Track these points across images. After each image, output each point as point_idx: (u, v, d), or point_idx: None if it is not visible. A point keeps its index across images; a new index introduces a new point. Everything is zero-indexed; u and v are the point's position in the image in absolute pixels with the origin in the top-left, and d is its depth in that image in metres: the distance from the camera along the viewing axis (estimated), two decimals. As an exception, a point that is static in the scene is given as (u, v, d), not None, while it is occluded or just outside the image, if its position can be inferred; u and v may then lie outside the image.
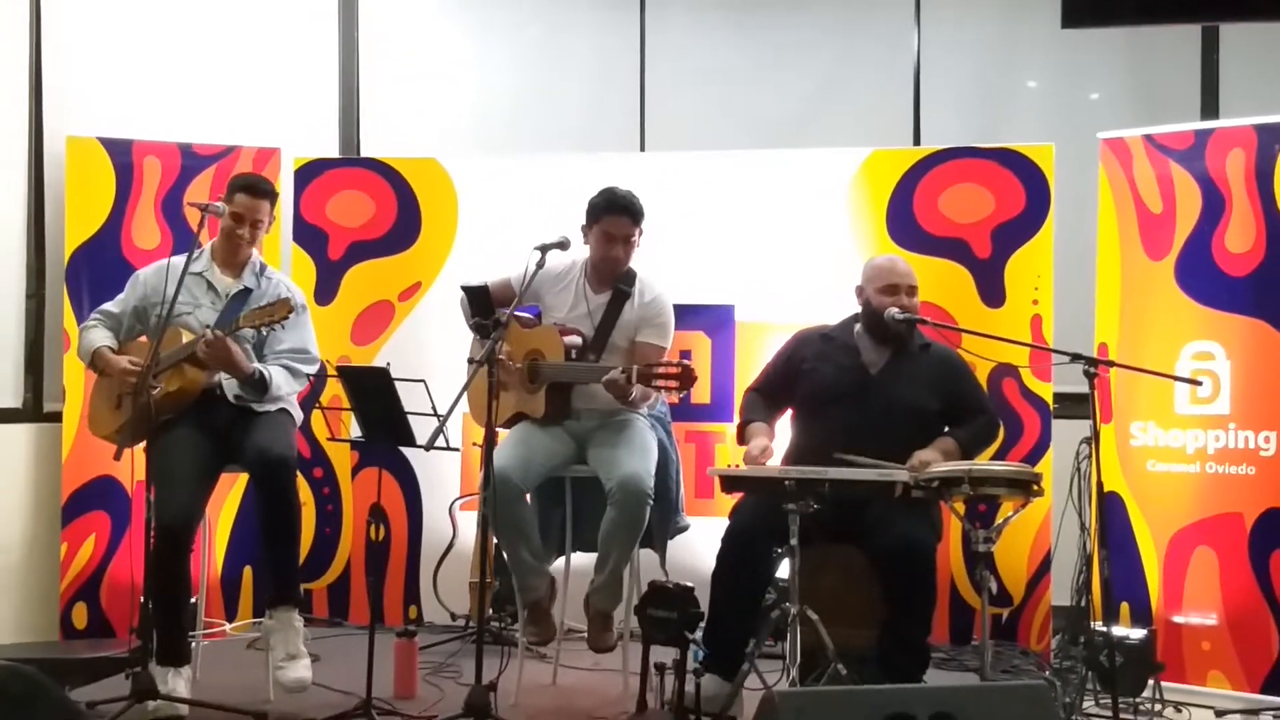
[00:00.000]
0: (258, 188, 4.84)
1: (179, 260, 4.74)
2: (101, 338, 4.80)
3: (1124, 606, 5.10)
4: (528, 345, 4.80)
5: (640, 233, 4.83)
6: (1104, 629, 4.61)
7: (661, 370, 4.40)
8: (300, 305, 4.84)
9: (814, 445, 4.59)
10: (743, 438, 4.81)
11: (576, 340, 4.78)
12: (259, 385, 4.67)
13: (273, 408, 4.77)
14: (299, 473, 4.76)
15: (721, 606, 4.48)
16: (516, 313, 4.61)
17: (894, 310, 4.64)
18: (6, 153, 5.80)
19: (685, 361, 4.52)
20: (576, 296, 4.86)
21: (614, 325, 4.81)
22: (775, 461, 4.73)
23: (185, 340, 4.64)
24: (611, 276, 4.85)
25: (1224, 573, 4.95)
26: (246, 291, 4.81)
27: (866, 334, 4.76)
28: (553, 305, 4.88)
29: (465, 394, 4.49)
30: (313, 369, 4.87)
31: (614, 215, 4.78)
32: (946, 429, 4.68)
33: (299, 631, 4.63)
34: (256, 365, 4.67)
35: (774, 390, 4.86)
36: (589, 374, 4.70)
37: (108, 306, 4.87)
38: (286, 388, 4.75)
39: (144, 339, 4.81)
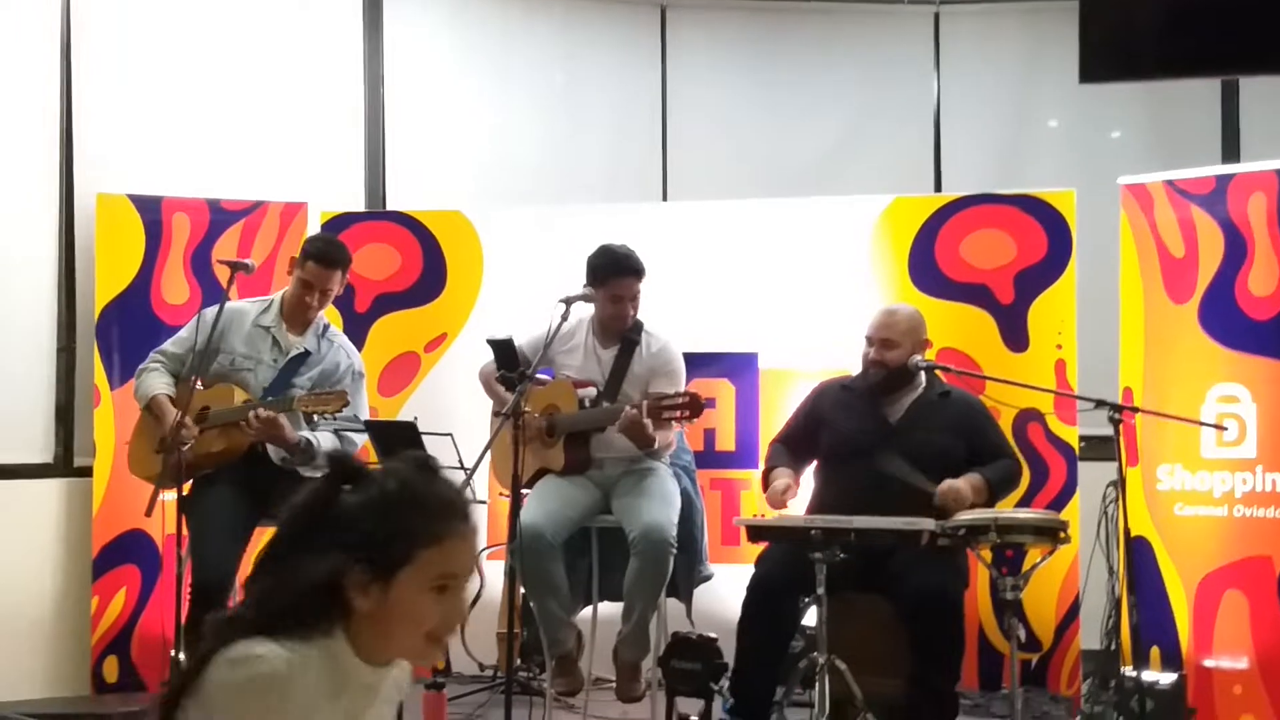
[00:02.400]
0: (330, 257, 4.81)
1: (246, 306, 4.80)
2: (160, 384, 4.78)
3: (1154, 651, 5.07)
4: (543, 402, 4.84)
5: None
6: (1134, 674, 4.60)
7: (669, 403, 4.44)
8: (358, 374, 4.87)
9: (837, 496, 4.60)
10: (767, 483, 4.82)
11: (591, 391, 4.83)
12: (306, 453, 4.69)
13: (318, 473, 4.77)
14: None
15: (747, 656, 4.48)
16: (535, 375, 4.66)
17: (917, 358, 4.69)
18: (39, 210, 5.87)
19: (691, 391, 4.54)
20: (586, 354, 4.91)
21: (624, 376, 4.85)
22: (799, 508, 4.75)
23: (239, 398, 4.66)
24: (620, 333, 4.89)
25: (1254, 616, 4.93)
26: (305, 354, 4.82)
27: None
28: (564, 365, 4.93)
29: (490, 451, 4.52)
30: (362, 438, 4.88)
31: (619, 277, 4.82)
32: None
33: None
34: (304, 435, 4.68)
35: (797, 443, 4.89)
36: (602, 417, 4.74)
37: (168, 347, 4.87)
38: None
39: (200, 385, 4.81)
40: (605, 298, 4.82)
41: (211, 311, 4.83)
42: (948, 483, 4.47)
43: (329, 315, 5.86)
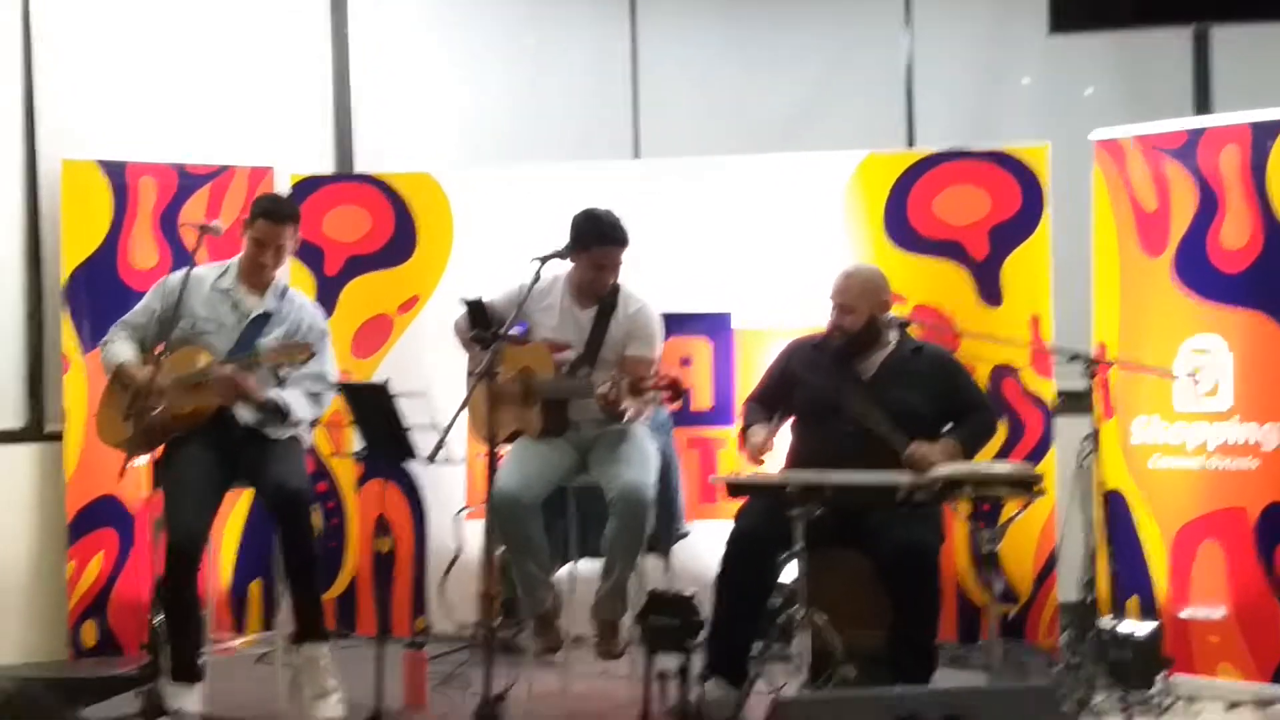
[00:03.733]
0: (278, 212, 4.80)
1: (204, 271, 4.77)
2: (125, 351, 4.75)
3: (1131, 601, 5.11)
4: (519, 363, 4.81)
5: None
6: (1112, 624, 4.63)
7: (651, 384, 4.42)
8: (321, 332, 4.85)
9: (813, 454, 4.60)
10: (744, 440, 4.82)
11: (568, 355, 4.80)
12: (277, 412, 4.67)
13: (285, 434, 4.76)
14: (304, 488, 4.76)
15: (726, 610, 4.49)
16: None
17: (888, 315, 4.71)
18: (3, 177, 5.81)
19: (673, 375, 4.52)
20: (563, 314, 4.88)
21: (603, 340, 4.83)
22: (776, 464, 4.75)
23: (203, 361, 4.63)
24: (597, 295, 4.86)
25: (1230, 566, 4.96)
26: (266, 315, 4.79)
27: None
28: (540, 323, 4.90)
29: (466, 409, 4.50)
30: (331, 394, 4.86)
31: (604, 246, 4.80)
32: (946, 428, 4.70)
33: (326, 668, 4.59)
34: (273, 394, 4.66)
35: (772, 400, 4.88)
36: (579, 390, 4.72)
37: (130, 317, 4.83)
38: (307, 413, 4.75)
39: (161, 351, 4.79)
40: (587, 263, 4.79)
41: (174, 277, 4.81)
42: (917, 445, 4.47)
43: (299, 278, 5.87)
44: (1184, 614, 5.03)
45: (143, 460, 4.75)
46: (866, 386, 4.70)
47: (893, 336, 4.80)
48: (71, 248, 5.73)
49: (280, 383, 4.73)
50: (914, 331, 4.90)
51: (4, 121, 5.82)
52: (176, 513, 4.46)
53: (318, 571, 4.72)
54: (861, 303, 4.71)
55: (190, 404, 4.62)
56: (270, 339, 4.72)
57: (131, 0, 6.08)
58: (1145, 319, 5.21)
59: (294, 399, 4.71)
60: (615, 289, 4.88)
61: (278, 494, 4.58)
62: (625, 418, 4.69)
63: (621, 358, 4.80)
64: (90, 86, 5.99)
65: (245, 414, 4.70)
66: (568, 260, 4.75)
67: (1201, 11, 5.44)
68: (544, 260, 4.62)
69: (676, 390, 4.44)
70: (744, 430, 4.85)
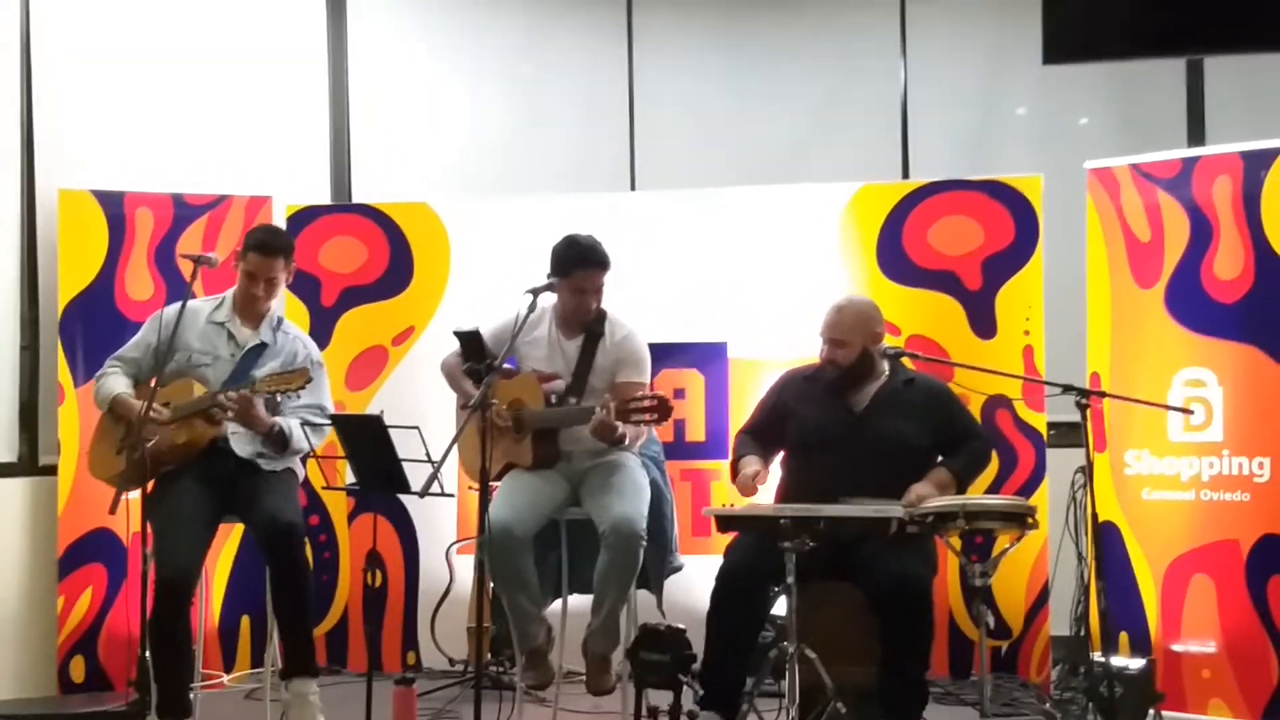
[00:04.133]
0: (269, 245, 4.79)
1: (199, 304, 4.77)
2: (120, 384, 4.75)
3: (1123, 636, 5.09)
4: (509, 396, 4.81)
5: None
6: (1103, 659, 4.61)
7: (637, 404, 4.42)
8: (317, 363, 4.86)
9: (805, 486, 4.59)
10: (736, 472, 4.81)
11: (558, 385, 4.80)
12: (278, 440, 4.67)
13: (279, 467, 4.76)
14: (296, 522, 4.76)
15: (717, 646, 4.47)
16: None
17: (882, 346, 4.70)
18: (-1, 207, 5.84)
19: (659, 394, 4.52)
20: (550, 345, 4.88)
21: (590, 368, 4.82)
22: (768, 497, 4.75)
23: (198, 393, 4.64)
24: (583, 324, 4.87)
25: (1221, 600, 4.95)
26: (262, 346, 4.80)
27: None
28: (527, 356, 4.90)
29: (457, 443, 4.50)
30: (328, 427, 4.86)
31: (584, 269, 4.77)
32: (940, 459, 4.69)
33: (315, 705, 4.57)
34: (277, 420, 4.66)
35: (764, 433, 4.88)
36: (572, 417, 4.71)
37: (124, 352, 4.83)
38: (303, 443, 4.75)
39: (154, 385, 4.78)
40: (568, 289, 4.78)
41: (169, 310, 4.81)
42: (913, 489, 4.47)
43: (294, 309, 5.87)
44: (1175, 648, 5.01)
45: (134, 494, 4.74)
46: (859, 419, 4.70)
47: (885, 368, 4.79)
48: (68, 279, 5.73)
49: (277, 414, 4.74)
50: (907, 363, 4.90)
51: (2, 151, 5.83)
52: (168, 547, 4.44)
53: (309, 607, 4.71)
54: (854, 336, 4.71)
55: (184, 435, 4.62)
56: (264, 371, 4.72)
57: (130, 31, 6.11)
58: (1138, 351, 5.21)
59: (295, 427, 4.71)
60: (601, 317, 4.88)
61: (270, 528, 4.57)
62: (624, 442, 4.68)
63: (612, 385, 4.79)
64: (88, 116, 6.01)
65: (242, 447, 4.70)
66: (548, 282, 4.75)
67: (1195, 43, 5.45)
68: (537, 292, 4.63)
69: (664, 409, 4.43)
70: (735, 463, 4.84)
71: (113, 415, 4.76)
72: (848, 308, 4.80)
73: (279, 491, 4.70)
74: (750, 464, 4.75)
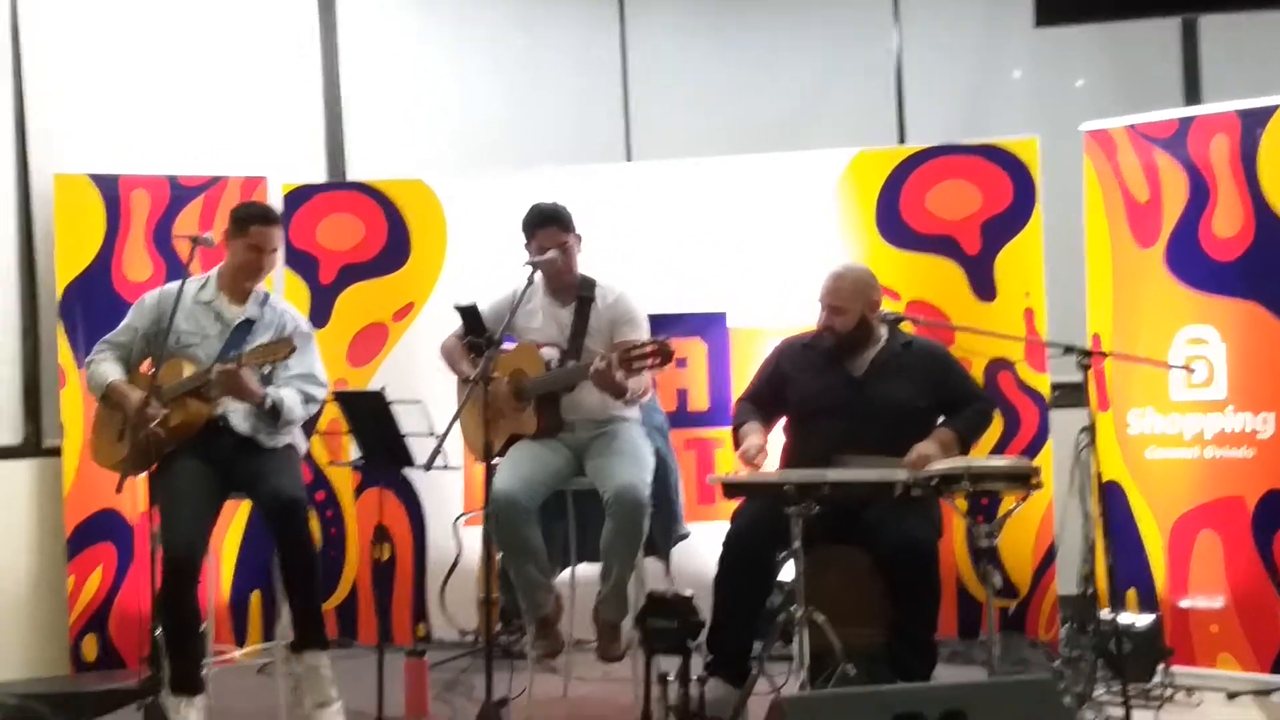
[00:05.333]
0: (270, 215, 4.85)
1: (187, 286, 4.71)
2: (113, 371, 4.75)
3: (1130, 593, 5.12)
4: (509, 367, 4.82)
5: (577, 239, 4.86)
6: (1111, 616, 4.64)
7: (638, 351, 4.43)
8: (304, 332, 4.86)
9: (808, 453, 4.61)
10: (738, 440, 4.82)
11: (553, 352, 4.82)
12: (273, 413, 4.67)
13: (280, 442, 4.77)
14: (303, 497, 4.77)
15: (724, 611, 4.50)
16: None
17: (883, 312, 4.72)
18: (-6, 193, 5.83)
19: (659, 338, 4.51)
20: (545, 315, 4.89)
21: (585, 331, 4.84)
22: (771, 464, 4.76)
23: (188, 372, 4.64)
24: (566, 287, 4.87)
25: (1228, 556, 4.97)
26: (249, 322, 4.80)
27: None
28: (524, 327, 4.91)
29: (460, 419, 4.51)
30: (323, 393, 4.86)
31: (542, 228, 4.82)
32: (941, 420, 4.70)
33: (327, 677, 4.57)
34: (268, 391, 4.66)
35: (764, 400, 4.89)
36: (572, 375, 4.73)
37: (113, 336, 4.83)
38: (300, 412, 4.75)
39: (146, 369, 4.79)
40: (535, 250, 4.82)
41: (151, 295, 4.83)
42: (916, 449, 4.49)
43: (293, 287, 5.88)
44: (1183, 604, 5.04)
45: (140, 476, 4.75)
46: (858, 384, 4.71)
47: (883, 332, 4.80)
48: (66, 262, 5.73)
49: (268, 385, 4.74)
50: (907, 327, 4.90)
51: (-6, 138, 5.84)
52: (173, 525, 4.45)
53: (317, 579, 4.71)
54: (853, 303, 4.72)
55: (179, 416, 4.61)
56: (255, 345, 4.73)
57: (121, 13, 6.09)
58: (1139, 310, 5.22)
59: (288, 397, 4.72)
60: (590, 283, 4.89)
61: (274, 502, 4.58)
62: (626, 395, 4.69)
63: (610, 345, 4.80)
64: (81, 100, 6.00)
65: (240, 422, 4.70)
66: (548, 255, 4.76)
67: (1188, 2, 5.44)
68: (536, 265, 4.64)
69: (665, 353, 4.42)
70: (736, 429, 4.85)
71: (108, 403, 4.76)
72: (846, 275, 4.81)
73: (281, 468, 4.70)
74: (752, 433, 4.76)
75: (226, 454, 4.68)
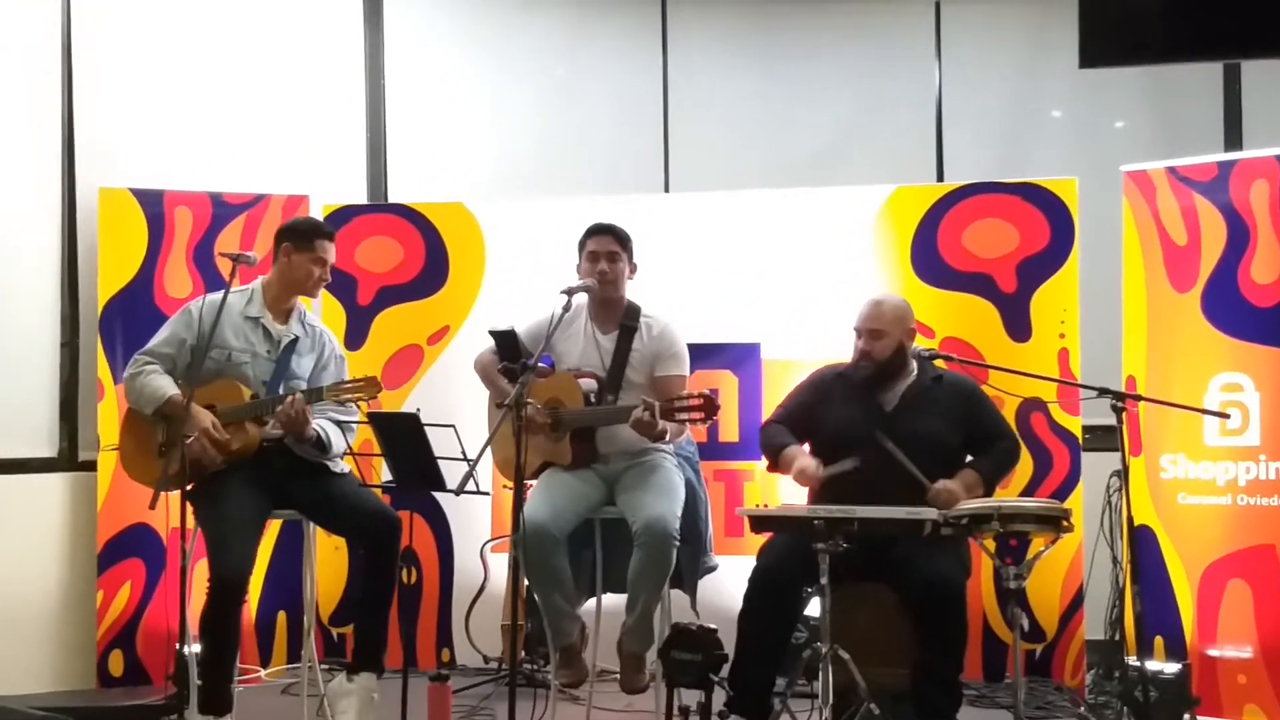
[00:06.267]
0: (332, 232, 4.92)
1: (232, 298, 4.66)
2: (168, 384, 4.63)
3: (1158, 641, 5.08)
4: (546, 395, 4.83)
5: (628, 257, 4.91)
6: (1138, 663, 4.60)
7: (682, 404, 4.44)
8: (340, 357, 4.90)
9: (838, 487, 4.59)
10: (777, 462, 4.80)
11: (592, 384, 4.82)
12: (318, 446, 4.70)
13: (341, 467, 4.81)
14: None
15: (748, 646, 4.47)
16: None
17: (917, 348, 4.71)
18: (41, 205, 5.88)
19: (706, 392, 4.54)
20: (586, 340, 4.91)
21: (626, 362, 4.85)
22: (800, 498, 4.75)
23: (245, 393, 4.63)
24: (611, 312, 4.90)
25: (1258, 605, 4.93)
26: (295, 340, 4.82)
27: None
28: (564, 352, 4.92)
29: (491, 443, 4.53)
30: (355, 417, 4.89)
31: (594, 236, 4.89)
32: (969, 459, 4.69)
33: (373, 703, 4.60)
34: (315, 426, 4.68)
35: (796, 424, 4.87)
36: (612, 416, 4.74)
37: (156, 347, 4.71)
38: (340, 444, 4.78)
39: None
40: (586, 262, 4.88)
41: (197, 305, 4.72)
42: (941, 483, 4.47)
43: (331, 309, 5.92)
44: (1211, 653, 5.00)
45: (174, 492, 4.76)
46: (889, 417, 4.70)
47: (915, 366, 4.80)
48: (107, 276, 5.79)
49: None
50: (940, 365, 4.90)
51: (44, 150, 5.90)
52: (222, 546, 4.45)
53: (391, 603, 4.73)
54: (893, 329, 4.73)
55: (240, 440, 4.59)
56: (301, 367, 4.77)
57: (170, 28, 6.16)
58: (1173, 354, 5.19)
59: (330, 429, 4.73)
60: (635, 311, 4.91)
61: (378, 521, 4.62)
62: (664, 438, 4.71)
63: (651, 379, 4.83)
64: (128, 115, 6.07)
65: (293, 443, 4.72)
66: (583, 282, 4.80)
67: (1232, 47, 5.42)
68: (571, 292, 4.67)
69: (710, 407, 4.45)
70: (776, 450, 4.82)
71: (158, 415, 4.65)
72: (886, 301, 4.83)
73: (364, 491, 4.78)
74: (801, 455, 4.73)
75: (278, 474, 4.68)
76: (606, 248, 4.86)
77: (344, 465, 4.86)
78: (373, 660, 4.63)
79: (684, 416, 4.47)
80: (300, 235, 4.83)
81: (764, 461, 4.98)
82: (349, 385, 4.60)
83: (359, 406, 4.76)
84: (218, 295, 4.62)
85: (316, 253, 4.80)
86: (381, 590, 4.64)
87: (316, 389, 4.65)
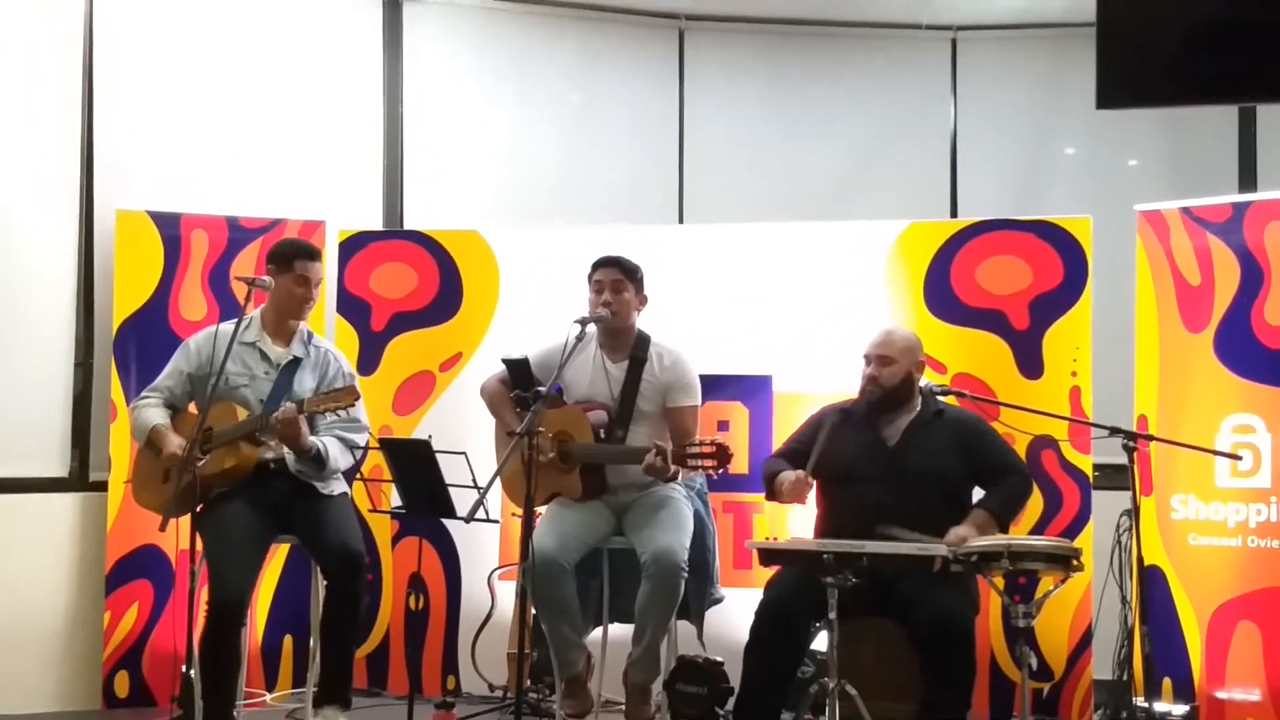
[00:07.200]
0: (314, 251, 4.99)
1: (227, 327, 4.79)
2: (156, 415, 4.83)
3: (1166, 682, 5.06)
4: (554, 427, 4.84)
5: (636, 288, 4.96)
6: (1146, 705, 4.59)
7: (695, 451, 4.46)
8: (348, 375, 4.93)
9: (842, 522, 4.59)
10: (771, 490, 4.79)
11: (602, 416, 4.84)
12: (316, 460, 4.72)
13: (335, 490, 4.82)
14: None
15: (754, 680, 4.46)
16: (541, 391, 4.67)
17: (928, 383, 4.72)
18: (58, 226, 5.90)
19: (718, 439, 4.55)
20: (595, 369, 4.93)
21: (636, 393, 4.87)
22: (807, 532, 4.75)
23: (240, 415, 4.68)
24: (620, 341, 4.91)
25: (1267, 648, 4.91)
26: (296, 361, 4.86)
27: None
28: (573, 380, 4.95)
29: (501, 472, 4.54)
30: (364, 439, 4.92)
31: (600, 268, 4.96)
32: (978, 495, 4.68)
33: None
34: (314, 440, 4.70)
35: (796, 459, 4.85)
36: (622, 456, 4.75)
37: (159, 382, 4.92)
38: (342, 461, 4.80)
39: (195, 409, 4.87)
40: (593, 292, 4.94)
41: (195, 338, 4.95)
42: (953, 532, 4.46)
43: (344, 334, 5.93)
44: (1219, 695, 4.97)
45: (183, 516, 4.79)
46: (892, 452, 4.70)
47: (918, 401, 4.80)
48: (123, 297, 5.81)
49: (313, 429, 4.79)
50: (950, 401, 4.89)
51: (63, 171, 5.92)
52: (221, 569, 4.48)
53: (355, 636, 4.75)
54: (903, 358, 4.74)
55: (232, 459, 4.66)
56: (303, 385, 4.80)
57: (189, 53, 6.18)
58: (1185, 395, 5.19)
59: (331, 446, 4.76)
60: (644, 341, 4.93)
61: (339, 555, 4.63)
62: (676, 479, 4.73)
63: (663, 410, 4.84)
64: (147, 139, 6.09)
65: (291, 463, 4.75)
66: (598, 311, 4.84)
67: (1249, 90, 5.43)
68: (585, 322, 4.70)
69: (724, 457, 4.47)
70: (771, 479, 4.79)
71: (151, 447, 4.82)
72: (897, 331, 4.86)
73: (343, 518, 4.78)
74: (787, 472, 4.73)
75: (281, 497, 4.72)
76: (611, 278, 4.91)
77: (338, 487, 4.86)
78: (338, 696, 4.63)
79: (695, 463, 4.51)
80: (280, 258, 4.93)
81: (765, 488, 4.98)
82: (327, 395, 4.63)
83: (370, 431, 4.79)
84: (214, 327, 4.88)
85: (296, 272, 4.87)
86: (342, 626, 4.65)
87: (285, 391, 4.70)
